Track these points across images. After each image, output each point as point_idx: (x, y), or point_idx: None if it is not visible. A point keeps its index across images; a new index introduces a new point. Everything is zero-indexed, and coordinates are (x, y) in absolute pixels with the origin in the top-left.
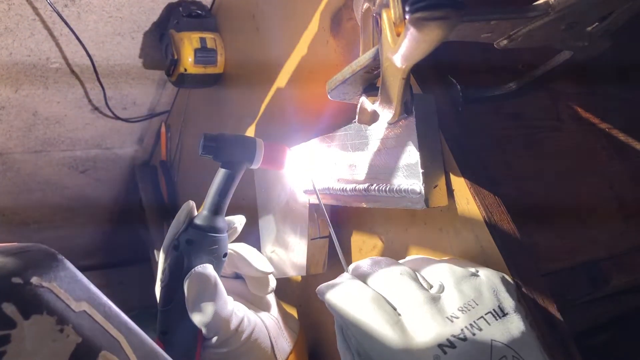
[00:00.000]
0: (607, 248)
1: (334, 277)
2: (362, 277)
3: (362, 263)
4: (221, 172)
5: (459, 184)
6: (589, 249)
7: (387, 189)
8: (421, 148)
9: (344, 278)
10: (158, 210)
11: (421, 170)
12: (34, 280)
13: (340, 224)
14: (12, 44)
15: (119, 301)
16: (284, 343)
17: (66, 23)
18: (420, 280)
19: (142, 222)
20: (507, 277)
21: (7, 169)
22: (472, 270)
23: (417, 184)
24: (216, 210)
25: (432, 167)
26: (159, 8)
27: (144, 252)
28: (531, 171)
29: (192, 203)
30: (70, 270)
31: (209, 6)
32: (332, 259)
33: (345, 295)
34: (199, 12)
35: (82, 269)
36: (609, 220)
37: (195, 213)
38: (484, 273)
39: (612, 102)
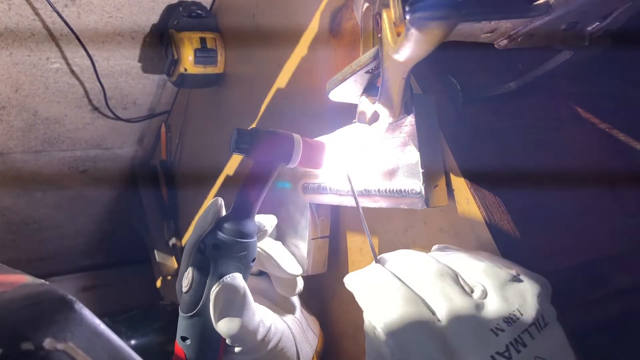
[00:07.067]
0: (607, 248)
1: (335, 277)
2: (394, 270)
3: (394, 255)
4: (254, 172)
5: (459, 184)
6: (588, 249)
7: (387, 189)
8: (421, 148)
9: (375, 269)
10: (158, 210)
11: (421, 170)
12: (48, 343)
13: (340, 224)
14: (12, 44)
15: (119, 301)
16: (307, 348)
17: (66, 23)
18: (461, 282)
19: (142, 221)
20: (545, 280)
21: (7, 169)
22: (512, 272)
23: (417, 184)
24: (247, 214)
25: (432, 167)
26: (159, 8)
27: (144, 252)
28: (531, 171)
29: (220, 201)
30: (89, 323)
31: (208, 6)
32: (332, 259)
33: (376, 291)
34: (199, 12)
35: (82, 269)
36: (608, 220)
37: (223, 213)
38: (525, 277)
39: (612, 102)
